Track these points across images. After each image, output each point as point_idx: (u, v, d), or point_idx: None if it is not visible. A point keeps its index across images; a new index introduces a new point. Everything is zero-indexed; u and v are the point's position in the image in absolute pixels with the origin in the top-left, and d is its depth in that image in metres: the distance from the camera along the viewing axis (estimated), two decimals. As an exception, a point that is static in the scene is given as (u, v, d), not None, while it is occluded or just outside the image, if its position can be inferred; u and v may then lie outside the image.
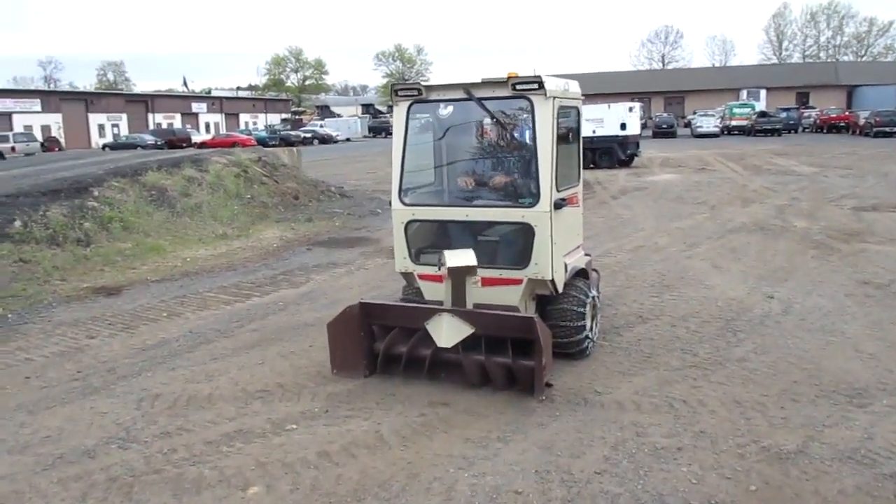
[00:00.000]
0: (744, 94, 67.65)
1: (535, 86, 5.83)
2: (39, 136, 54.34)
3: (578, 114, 7.00)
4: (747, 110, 54.15)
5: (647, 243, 12.32)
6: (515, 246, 6.29)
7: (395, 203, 6.50)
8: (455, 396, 5.82)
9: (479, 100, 6.09)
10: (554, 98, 5.97)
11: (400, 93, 6.36)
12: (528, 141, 6.35)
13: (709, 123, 51.85)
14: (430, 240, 6.66)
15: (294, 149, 26.37)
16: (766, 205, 16.49)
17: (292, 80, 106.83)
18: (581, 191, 7.11)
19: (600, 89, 58.51)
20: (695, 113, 60.28)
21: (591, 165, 27.25)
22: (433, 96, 6.33)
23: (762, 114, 52.71)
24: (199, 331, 7.94)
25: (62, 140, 57.32)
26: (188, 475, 4.68)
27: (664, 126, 52.77)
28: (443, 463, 4.74)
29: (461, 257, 5.73)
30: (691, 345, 6.96)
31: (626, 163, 28.40)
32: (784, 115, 53.31)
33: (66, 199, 12.73)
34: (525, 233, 6.08)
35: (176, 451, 5.03)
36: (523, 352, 5.72)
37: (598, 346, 6.90)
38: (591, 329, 6.69)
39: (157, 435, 5.30)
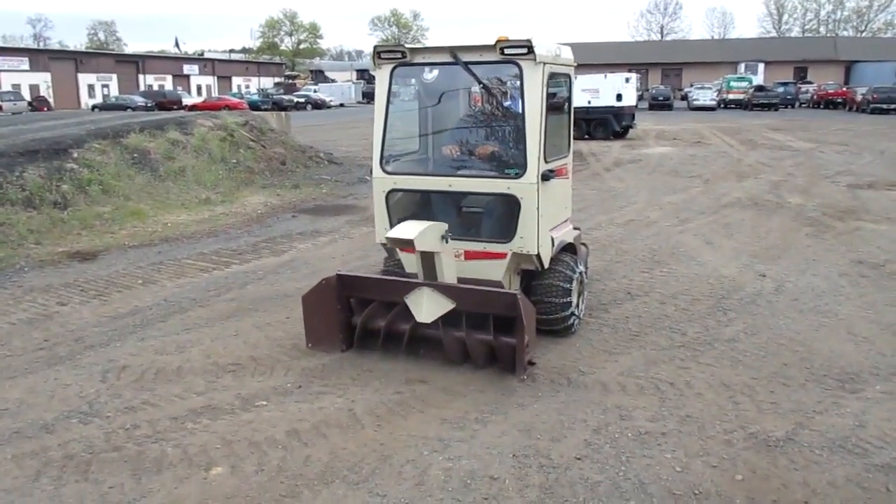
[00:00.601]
0: (742, 67, 66.95)
1: (525, 50, 5.53)
2: (27, 96, 53.50)
3: (570, 81, 6.69)
4: (744, 84, 53.67)
5: (639, 217, 12.08)
6: (500, 218, 6.03)
7: (376, 171, 6.22)
8: (434, 374, 5.60)
9: (466, 64, 5.78)
10: (544, 64, 5.67)
11: (383, 55, 6.05)
12: (516, 109, 6.07)
13: (705, 96, 51.32)
14: (412, 210, 6.39)
15: (283, 113, 25.88)
16: (760, 180, 16.24)
17: (286, 43, 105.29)
18: (571, 162, 6.84)
19: (598, 59, 57.79)
20: (692, 85, 59.70)
21: (586, 136, 26.93)
22: (418, 59, 6.02)
23: (759, 88, 52.23)
24: (173, 299, 7.69)
25: (51, 99, 56.43)
26: (149, 453, 4.46)
27: (660, 98, 52.24)
28: (417, 445, 4.54)
29: (402, 230, 5.37)
30: (680, 323, 6.76)
31: (621, 134, 28.04)
32: (781, 89, 52.77)
33: (45, 160, 12.34)
34: (510, 205, 5.81)
35: (139, 427, 4.81)
36: (506, 329, 5.50)
37: (585, 323, 6.68)
38: (578, 306, 6.47)
39: (121, 409, 5.07)
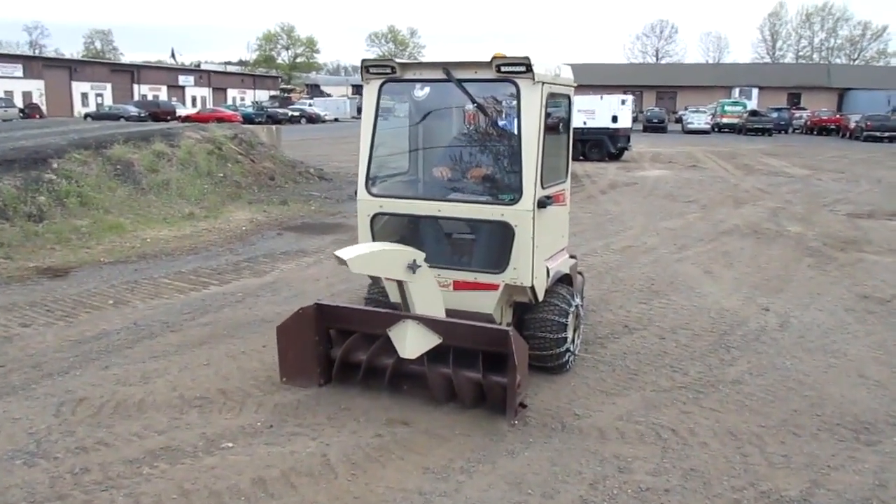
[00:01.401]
0: (736, 92, 67.22)
1: (522, 68, 5.16)
2: (20, 103, 53.01)
3: (570, 102, 6.32)
4: (739, 108, 53.77)
5: (636, 243, 11.71)
6: (492, 247, 5.63)
7: (361, 193, 5.81)
8: (417, 414, 5.17)
9: (459, 81, 5.40)
10: (543, 83, 5.30)
11: (371, 70, 5.66)
12: (512, 130, 5.69)
13: (700, 120, 51.41)
14: (400, 234, 5.98)
15: (274, 127, 25.50)
16: (758, 206, 15.94)
17: (283, 57, 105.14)
18: (569, 188, 6.45)
19: (593, 80, 57.75)
20: (686, 109, 59.79)
21: (581, 158, 26.67)
22: (408, 75, 5.63)
23: (753, 113, 52.30)
24: (144, 323, 7.24)
25: (44, 107, 55.93)
26: (97, 503, 4.01)
27: (655, 120, 52.33)
28: (395, 499, 4.10)
29: (346, 249, 4.90)
30: (681, 362, 6.35)
31: (616, 156, 27.84)
32: (775, 115, 52.97)
33: (22, 169, 11.89)
34: (504, 233, 5.41)
35: (89, 471, 4.35)
36: (496, 366, 5.08)
37: (580, 359, 6.27)
38: (573, 341, 6.06)
39: (72, 449, 4.61)
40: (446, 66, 5.39)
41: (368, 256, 4.93)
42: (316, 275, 9.38)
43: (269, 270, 9.59)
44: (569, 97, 6.23)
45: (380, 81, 5.69)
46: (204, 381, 5.74)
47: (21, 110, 49.15)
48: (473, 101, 5.66)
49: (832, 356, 6.54)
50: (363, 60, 5.66)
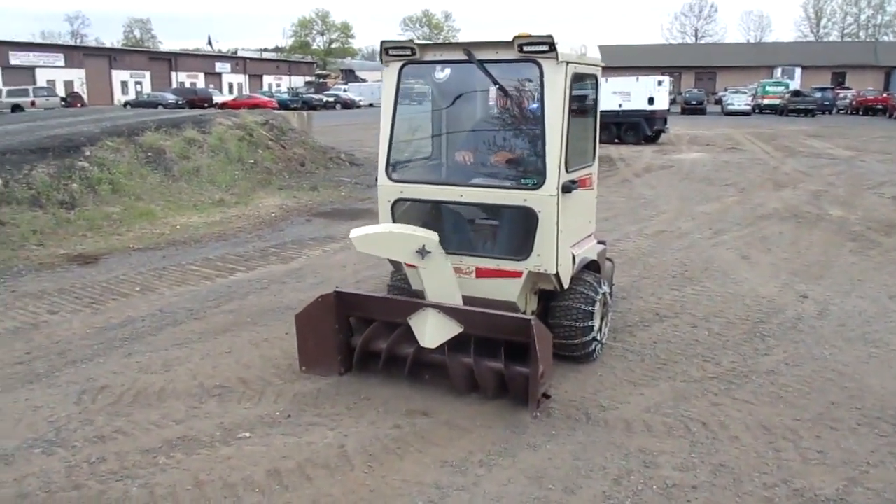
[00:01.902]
0: (778, 71, 65.50)
1: (546, 48, 4.96)
2: (62, 92, 54.00)
3: (597, 83, 6.09)
4: (781, 89, 52.29)
5: (670, 228, 11.43)
6: (516, 233, 5.46)
7: (382, 178, 5.68)
8: (437, 404, 5.06)
9: (481, 62, 5.23)
10: (567, 63, 5.10)
11: (391, 52, 5.51)
12: (536, 113, 5.50)
13: (740, 101, 50.11)
14: (422, 221, 5.83)
15: (305, 113, 25.53)
16: (799, 189, 15.46)
17: (318, 42, 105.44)
18: (596, 172, 6.24)
19: (630, 62, 56.87)
20: (726, 90, 58.48)
21: (616, 140, 26.25)
22: (428, 57, 5.48)
23: (796, 93, 50.82)
24: (169, 310, 7.24)
25: (84, 96, 56.89)
26: (111, 494, 3.98)
27: (694, 102, 51.15)
28: (411, 493, 4.00)
29: (359, 228, 4.91)
30: (713, 351, 6.14)
31: (652, 139, 27.26)
32: (819, 95, 51.32)
33: (55, 157, 12.05)
34: (527, 219, 5.24)
35: (105, 460, 4.33)
36: (519, 356, 4.94)
37: (608, 348, 6.09)
38: (600, 330, 5.89)
39: (90, 438, 4.60)
40: (467, 47, 5.22)
41: (374, 237, 4.87)
42: (343, 261, 9.31)
43: (296, 257, 9.55)
44: (596, 77, 6.01)
45: (399, 64, 5.54)
46: (225, 370, 5.70)
47: (63, 99, 50.04)
48: (495, 83, 5.49)
49: (873, 346, 6.26)
50: (382, 42, 5.51)
